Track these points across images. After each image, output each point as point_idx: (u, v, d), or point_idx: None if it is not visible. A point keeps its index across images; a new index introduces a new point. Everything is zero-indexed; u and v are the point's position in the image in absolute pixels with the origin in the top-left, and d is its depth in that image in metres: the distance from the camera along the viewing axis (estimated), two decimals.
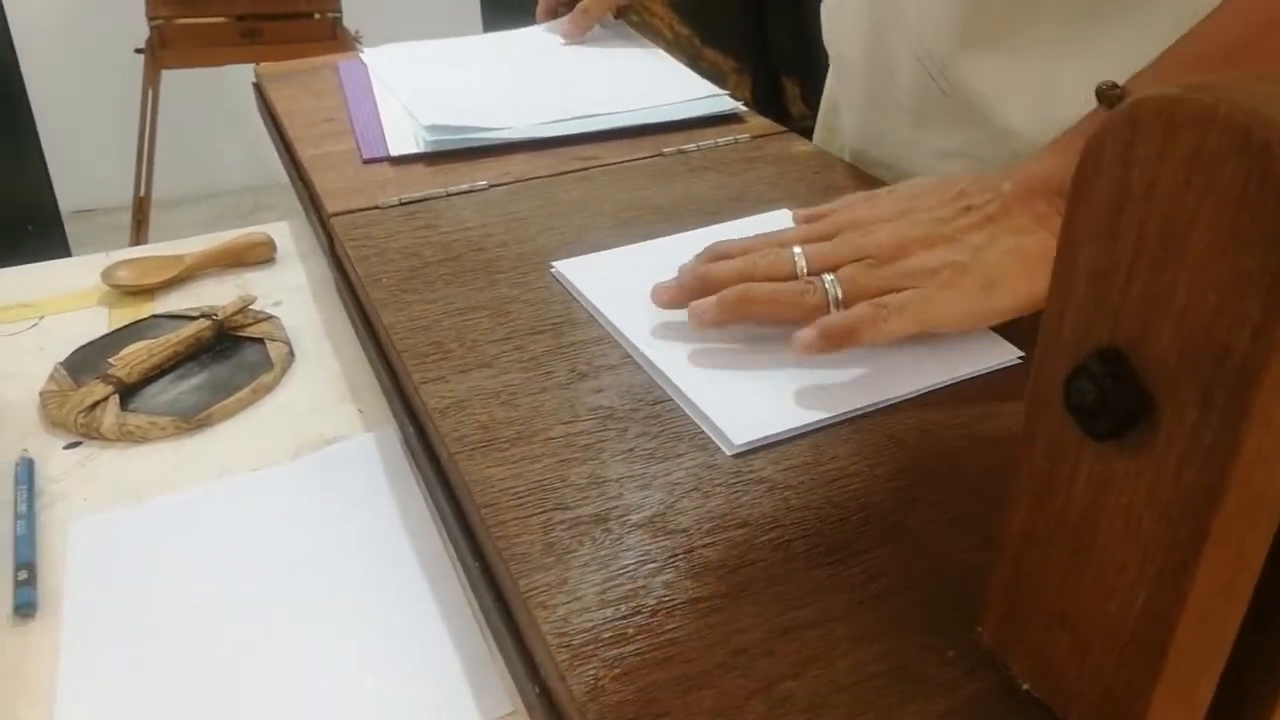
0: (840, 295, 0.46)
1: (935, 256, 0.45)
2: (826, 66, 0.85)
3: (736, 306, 0.46)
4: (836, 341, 0.44)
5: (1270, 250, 0.21)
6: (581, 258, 0.57)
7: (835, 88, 0.83)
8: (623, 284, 0.53)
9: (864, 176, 0.68)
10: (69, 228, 2.11)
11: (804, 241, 0.49)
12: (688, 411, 0.45)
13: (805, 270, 0.47)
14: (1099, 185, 0.25)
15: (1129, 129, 0.24)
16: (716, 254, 0.50)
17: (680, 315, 0.49)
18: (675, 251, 0.55)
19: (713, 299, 0.47)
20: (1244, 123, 0.21)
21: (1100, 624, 0.28)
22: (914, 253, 0.46)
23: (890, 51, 0.70)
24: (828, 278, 0.46)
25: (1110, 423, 0.26)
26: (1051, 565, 0.29)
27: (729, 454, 0.42)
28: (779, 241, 0.50)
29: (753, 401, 0.44)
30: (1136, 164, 0.24)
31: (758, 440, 0.42)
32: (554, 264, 0.56)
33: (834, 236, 0.49)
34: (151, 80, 2.02)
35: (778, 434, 0.43)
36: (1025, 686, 0.32)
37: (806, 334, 0.44)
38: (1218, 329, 0.23)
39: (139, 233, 2.13)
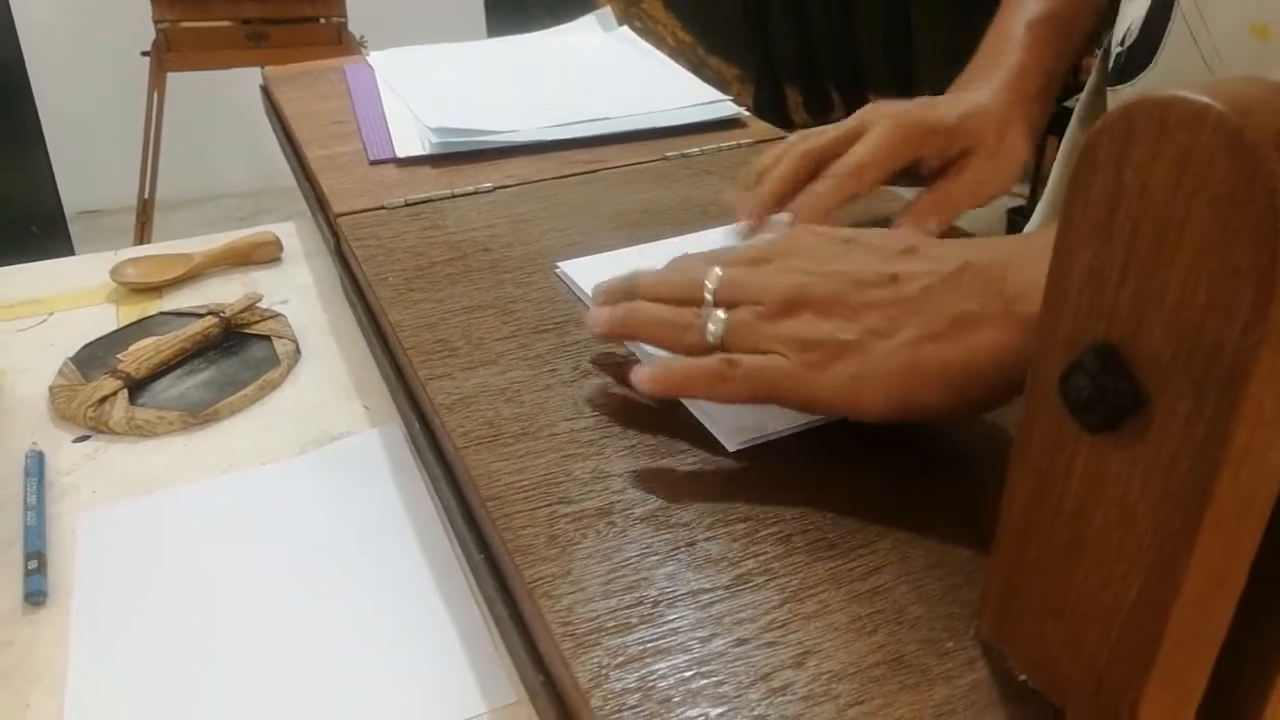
0: (720, 335, 0.42)
1: (820, 328, 0.40)
2: (828, 75, 0.86)
3: (620, 324, 0.45)
4: (667, 390, 0.42)
5: (1259, 247, 0.22)
6: (585, 258, 0.58)
7: None
8: None
9: None
10: (73, 229, 2.12)
11: (739, 264, 0.44)
12: (693, 411, 0.45)
13: (711, 300, 0.43)
14: (1094, 186, 0.26)
15: (1124, 131, 0.25)
16: (660, 268, 0.48)
17: None
18: (676, 253, 0.56)
19: (606, 311, 0.45)
20: (1234, 124, 0.22)
21: (1095, 614, 0.29)
22: (801, 314, 0.41)
23: None
24: (719, 314, 0.42)
25: (1105, 416, 0.26)
26: (1048, 557, 0.30)
27: (730, 450, 0.43)
28: (713, 259, 0.46)
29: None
30: (1130, 165, 0.25)
31: (752, 441, 0.43)
32: (558, 265, 0.57)
33: (765, 261, 0.44)
34: (157, 83, 2.03)
35: (773, 434, 0.43)
36: (1022, 677, 0.32)
37: (640, 373, 0.42)
38: (1209, 324, 0.23)
39: (142, 234, 2.14)
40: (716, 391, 0.41)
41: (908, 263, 0.41)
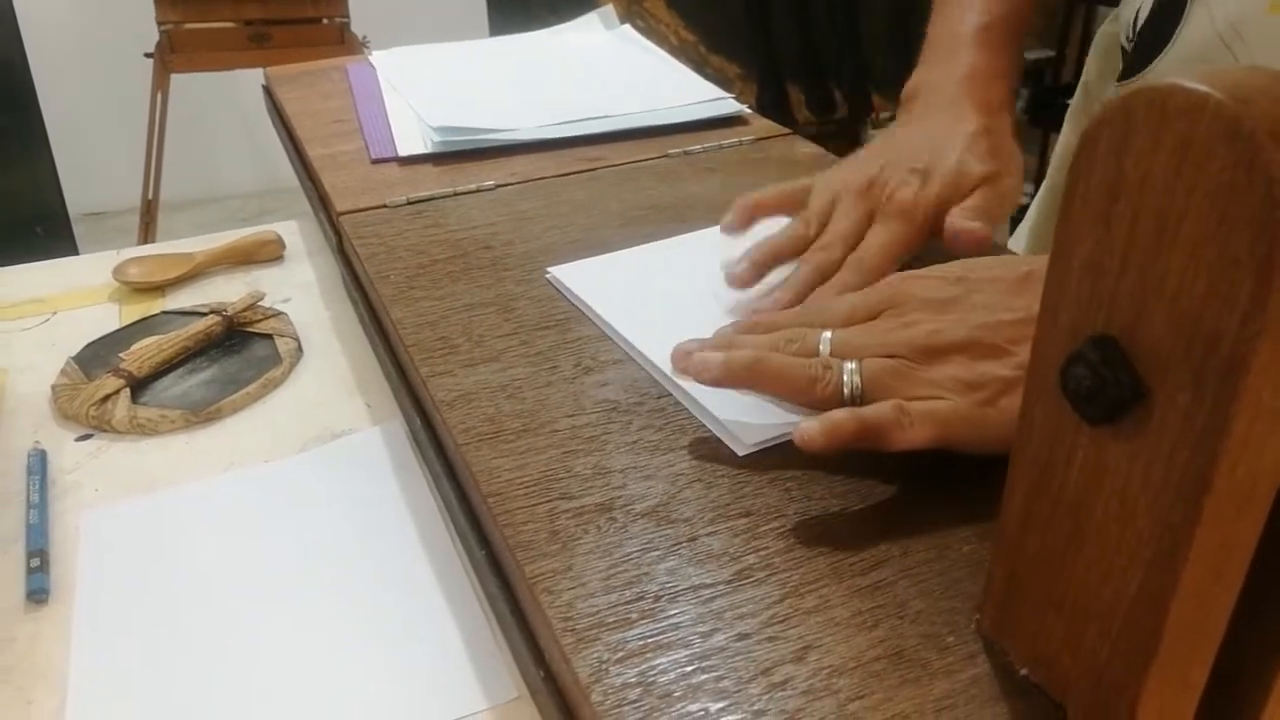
0: (859, 387, 0.41)
1: (978, 369, 0.40)
2: (831, 74, 0.85)
3: (743, 373, 0.43)
4: (842, 443, 0.39)
5: (1258, 237, 0.22)
6: (576, 263, 0.57)
7: None
8: (622, 288, 0.53)
9: None
10: (77, 230, 2.13)
11: (843, 322, 0.45)
12: (696, 414, 0.45)
13: (828, 354, 0.43)
14: (1094, 176, 0.26)
15: (1124, 121, 0.25)
16: (747, 328, 0.47)
17: (684, 320, 0.49)
18: (672, 254, 0.56)
19: (719, 355, 0.43)
20: (1233, 112, 0.22)
21: (1095, 608, 0.29)
22: (951, 359, 0.41)
23: None
24: (849, 365, 0.42)
25: (1105, 408, 0.26)
26: (1048, 550, 0.30)
27: (739, 454, 0.42)
28: (813, 319, 0.46)
29: (760, 402, 0.45)
30: (1130, 155, 0.25)
31: (768, 442, 0.43)
32: (549, 270, 0.57)
33: (874, 316, 0.44)
34: (160, 84, 2.04)
35: (788, 434, 0.42)
36: (1023, 671, 0.32)
37: (810, 428, 0.39)
38: (1208, 315, 0.23)
39: (146, 235, 2.14)
40: (894, 439, 0.39)
41: (1029, 292, 0.41)
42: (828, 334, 0.44)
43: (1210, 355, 0.23)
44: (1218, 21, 0.54)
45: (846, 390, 0.41)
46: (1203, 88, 0.22)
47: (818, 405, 0.42)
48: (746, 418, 0.44)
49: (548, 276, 0.56)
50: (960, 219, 0.52)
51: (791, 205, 0.56)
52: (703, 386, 0.44)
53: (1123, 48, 0.64)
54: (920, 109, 0.60)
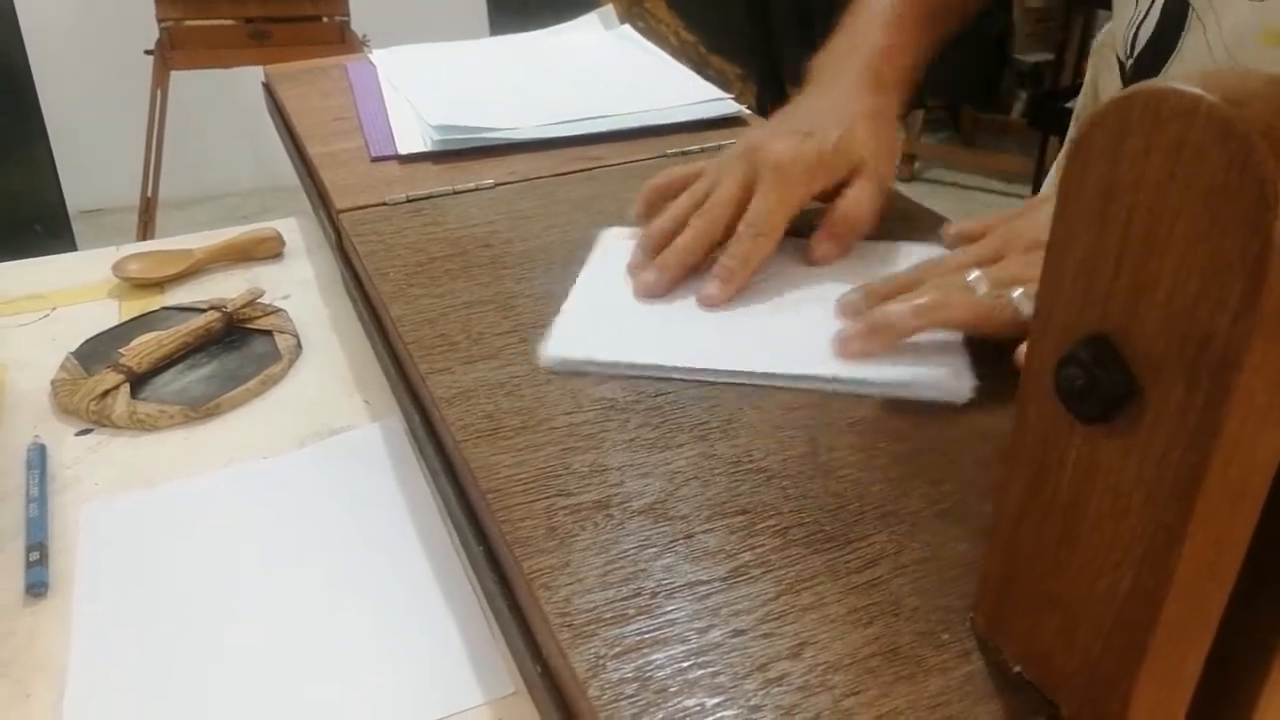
0: (1027, 310, 0.44)
1: None
2: None
3: (933, 311, 0.46)
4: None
5: (1249, 237, 0.22)
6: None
7: None
8: (624, 329, 0.52)
9: None
10: (76, 227, 2.13)
11: (976, 264, 0.48)
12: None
13: (984, 293, 0.46)
14: (1089, 178, 0.26)
15: (1118, 123, 0.25)
16: (876, 294, 0.49)
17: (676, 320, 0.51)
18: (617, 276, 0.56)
19: (905, 307, 0.46)
20: (1225, 115, 0.22)
21: (1088, 604, 0.29)
22: None
23: None
24: (1016, 292, 0.45)
25: (1098, 406, 0.27)
26: (1043, 548, 0.30)
27: (540, 365, 0.46)
28: (948, 268, 0.49)
29: (609, 327, 0.47)
30: (1125, 158, 0.25)
31: (572, 361, 0.46)
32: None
33: (998, 258, 0.48)
34: (160, 81, 2.04)
35: (600, 362, 0.46)
36: (1016, 668, 0.32)
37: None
38: (1200, 314, 0.24)
39: (145, 233, 2.15)
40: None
41: None
42: (975, 273, 0.47)
43: (1203, 354, 0.24)
44: (1215, 50, 0.55)
45: (1025, 313, 0.44)
46: (1196, 90, 0.23)
47: (999, 331, 0.45)
48: (574, 333, 0.47)
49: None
50: (822, 243, 0.56)
51: (689, 184, 0.58)
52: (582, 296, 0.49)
53: (1120, 61, 0.64)
54: (815, 87, 0.63)
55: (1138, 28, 0.61)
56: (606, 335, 0.50)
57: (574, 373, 0.46)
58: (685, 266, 0.54)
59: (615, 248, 0.58)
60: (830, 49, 0.65)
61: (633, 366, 0.47)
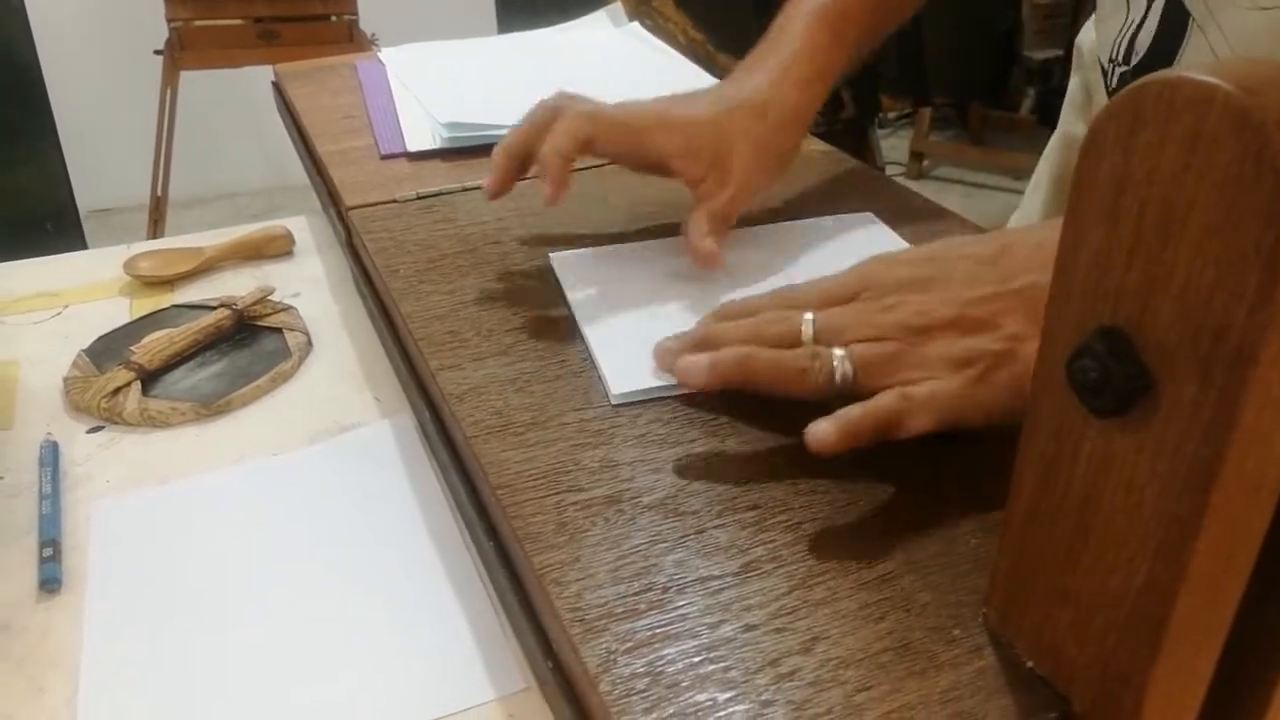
0: (850, 374, 0.41)
1: (968, 344, 0.40)
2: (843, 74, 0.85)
3: (733, 371, 0.43)
4: (854, 440, 0.39)
5: (1265, 229, 0.22)
6: (576, 251, 0.59)
7: None
8: (607, 281, 0.55)
9: (875, 174, 0.69)
10: (87, 227, 2.14)
11: (819, 306, 0.44)
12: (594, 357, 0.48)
13: (812, 339, 0.43)
14: (1101, 170, 0.26)
15: (1131, 114, 0.25)
16: (724, 314, 0.47)
17: (658, 315, 0.52)
18: (670, 252, 0.58)
19: (705, 357, 0.43)
20: (1242, 103, 0.22)
21: (1101, 600, 0.29)
22: (938, 337, 0.41)
23: None
24: (838, 352, 0.41)
25: (1112, 400, 0.26)
26: (1055, 543, 0.30)
27: (611, 404, 0.45)
28: (790, 303, 0.46)
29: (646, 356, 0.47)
30: (1138, 149, 0.25)
31: (636, 393, 0.45)
32: (551, 253, 0.58)
33: (851, 299, 0.44)
34: (170, 81, 2.04)
35: (661, 390, 0.46)
36: (1029, 664, 0.32)
37: (823, 429, 0.39)
38: (1215, 307, 0.23)
39: (155, 232, 2.15)
40: (902, 428, 0.39)
41: (1006, 265, 0.41)
42: (809, 315, 0.44)
43: (1218, 347, 0.24)
44: (1220, 57, 0.54)
45: (838, 377, 0.41)
46: (1212, 79, 0.23)
47: (809, 395, 0.42)
48: (627, 367, 0.47)
49: (550, 260, 0.57)
50: (696, 237, 0.55)
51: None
52: (599, 334, 0.49)
53: (1104, 68, 0.64)
54: (732, 75, 0.63)
55: (1133, 35, 0.61)
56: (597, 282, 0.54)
57: (646, 400, 0.46)
58: (504, 185, 0.56)
59: (577, 267, 0.58)
60: (753, 52, 0.64)
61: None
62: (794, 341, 0.43)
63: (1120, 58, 0.62)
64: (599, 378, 0.47)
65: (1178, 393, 0.25)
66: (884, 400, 0.40)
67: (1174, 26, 0.57)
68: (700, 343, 0.45)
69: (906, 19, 0.68)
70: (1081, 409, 0.28)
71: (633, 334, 0.49)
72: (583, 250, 0.59)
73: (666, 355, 0.46)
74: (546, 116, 0.57)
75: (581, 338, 0.50)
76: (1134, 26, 0.60)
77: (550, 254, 0.58)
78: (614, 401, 0.45)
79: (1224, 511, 0.25)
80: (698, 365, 0.43)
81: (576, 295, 0.54)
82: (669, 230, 0.61)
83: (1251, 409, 0.23)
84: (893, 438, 0.40)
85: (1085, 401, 0.27)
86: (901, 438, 0.39)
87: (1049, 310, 0.29)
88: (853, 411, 0.40)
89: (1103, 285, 0.26)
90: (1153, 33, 0.59)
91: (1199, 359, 0.24)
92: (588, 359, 0.49)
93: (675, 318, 0.52)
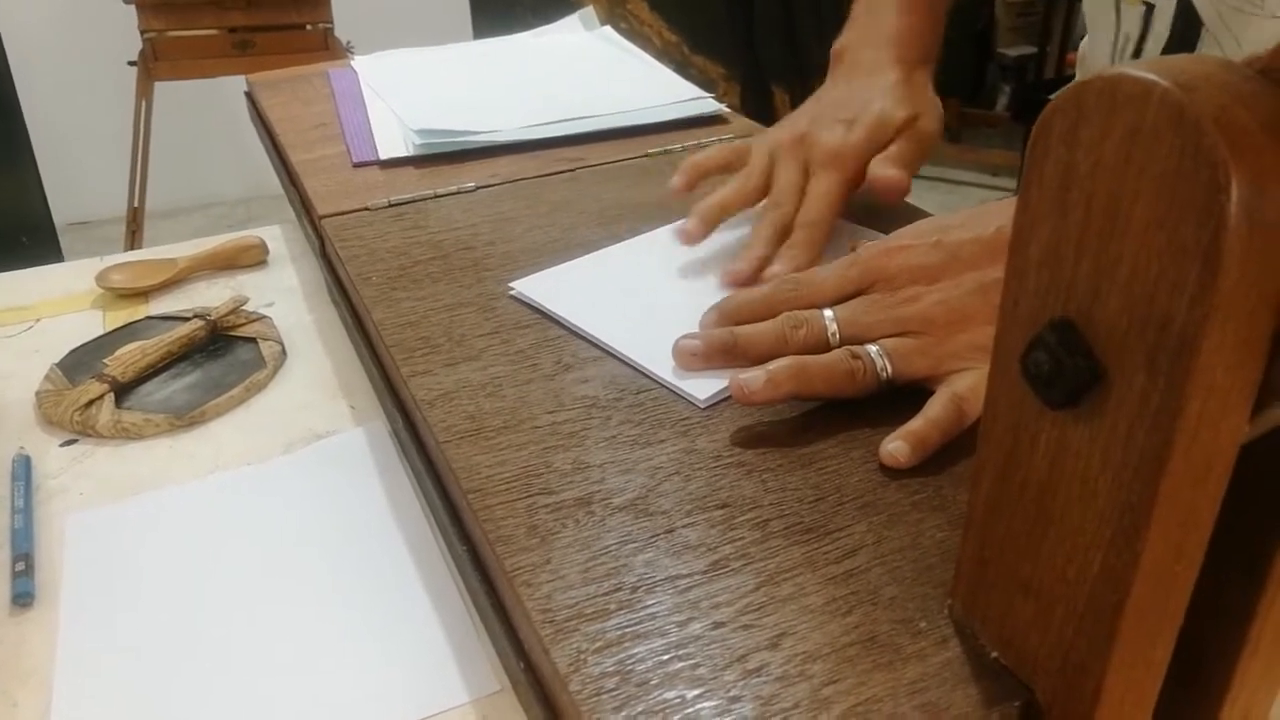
0: (890, 370, 0.43)
1: (991, 331, 0.41)
2: (815, 74, 0.86)
3: (790, 384, 0.43)
4: (929, 451, 0.41)
5: (1203, 222, 0.22)
6: (538, 275, 0.56)
7: None
8: (588, 292, 0.54)
9: None
10: (65, 240, 2.13)
11: (832, 301, 0.46)
12: (657, 379, 0.47)
13: (838, 339, 0.45)
14: (1049, 164, 0.26)
15: (1075, 110, 0.25)
16: (730, 311, 0.48)
17: (657, 311, 0.52)
18: (627, 260, 0.58)
19: (761, 375, 0.43)
20: (1178, 100, 0.22)
21: (1061, 589, 0.29)
22: (966, 328, 0.42)
23: None
24: (872, 349, 0.43)
25: (1065, 391, 0.27)
26: (1015, 534, 0.31)
27: (700, 408, 0.45)
28: (801, 299, 0.47)
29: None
30: (1081, 144, 0.25)
31: (719, 393, 0.45)
32: (513, 285, 0.55)
33: (861, 292, 0.46)
34: (144, 92, 2.03)
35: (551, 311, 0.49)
36: (993, 654, 0.33)
37: (899, 448, 0.40)
38: (1159, 298, 0.24)
39: (133, 243, 2.14)
40: (964, 425, 0.41)
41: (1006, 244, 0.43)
42: (829, 313, 0.45)
43: (1163, 337, 0.24)
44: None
45: (883, 375, 0.43)
46: (1149, 76, 0.23)
47: (858, 395, 0.44)
48: (699, 378, 0.47)
49: (512, 293, 0.55)
50: (880, 167, 0.56)
51: (732, 165, 0.60)
52: (650, 355, 0.48)
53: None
54: (845, 69, 0.64)
55: (1138, 45, 0.62)
56: (577, 294, 0.53)
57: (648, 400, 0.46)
58: (765, 256, 0.55)
59: (658, 240, 0.59)
60: (846, 35, 0.66)
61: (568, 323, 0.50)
62: (823, 341, 0.45)
63: (1126, 52, 0.63)
64: (664, 386, 0.47)
65: (1127, 383, 0.25)
66: (939, 406, 0.41)
67: (1187, 36, 0.58)
68: (729, 349, 0.46)
69: None
70: (1037, 402, 0.28)
71: (656, 334, 0.49)
72: (543, 273, 0.56)
73: (687, 355, 0.47)
74: (796, 177, 0.57)
75: (574, 344, 0.50)
76: (1136, 37, 0.61)
77: (512, 284, 0.55)
78: (702, 406, 0.45)
79: (1174, 499, 0.25)
80: (755, 381, 0.43)
81: (562, 310, 0.52)
82: (644, 232, 0.61)
83: (1197, 398, 0.24)
84: (955, 434, 0.42)
85: (1039, 394, 0.28)
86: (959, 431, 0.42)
87: (1003, 304, 0.29)
88: (916, 425, 0.41)
89: (1054, 279, 0.27)
90: (1162, 42, 0.60)
91: (1146, 350, 0.25)
92: (560, 362, 0.49)
93: (682, 311, 0.51)
